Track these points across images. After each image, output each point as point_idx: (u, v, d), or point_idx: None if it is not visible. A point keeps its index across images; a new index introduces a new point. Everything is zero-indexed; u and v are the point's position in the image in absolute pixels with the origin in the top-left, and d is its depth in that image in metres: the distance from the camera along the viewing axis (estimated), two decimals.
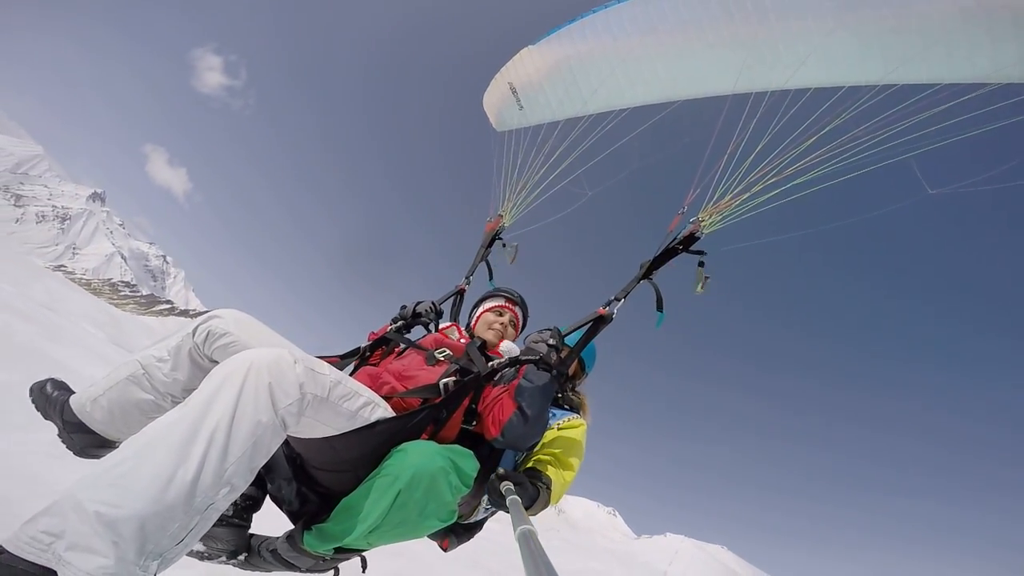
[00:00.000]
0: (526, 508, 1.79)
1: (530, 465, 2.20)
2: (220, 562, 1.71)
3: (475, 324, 2.59)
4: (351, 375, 1.90)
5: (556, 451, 2.25)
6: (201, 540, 1.54)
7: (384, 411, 1.65)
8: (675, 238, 2.57)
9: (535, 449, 2.23)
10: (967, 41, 2.34)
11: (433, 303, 2.65)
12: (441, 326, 2.58)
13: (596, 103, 3.52)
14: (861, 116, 2.52)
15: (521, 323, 2.64)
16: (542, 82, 3.63)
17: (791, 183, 2.57)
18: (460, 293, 3.06)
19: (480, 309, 2.64)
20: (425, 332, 2.56)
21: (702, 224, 2.58)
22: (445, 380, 1.90)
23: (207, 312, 1.70)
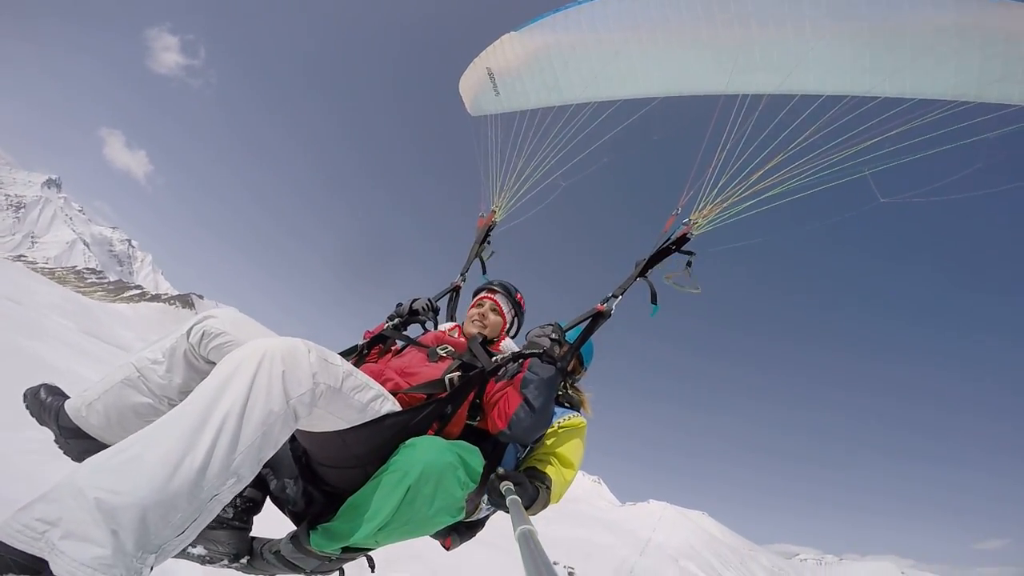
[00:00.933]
0: (526, 508, 1.81)
1: (530, 464, 2.24)
2: (222, 566, 1.72)
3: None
4: None
5: (557, 449, 2.28)
6: (202, 543, 1.61)
7: (393, 405, 1.67)
8: (668, 238, 2.66)
9: (537, 447, 2.29)
10: (955, 56, 2.42)
11: (429, 300, 2.66)
12: (446, 327, 2.59)
13: (575, 94, 3.56)
14: (834, 130, 2.64)
15: (507, 309, 2.61)
16: (521, 69, 3.66)
17: (765, 195, 2.70)
18: (456, 290, 3.07)
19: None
20: (422, 330, 2.59)
21: (694, 226, 2.68)
22: (450, 375, 1.91)
23: (202, 315, 1.69)
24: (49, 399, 1.68)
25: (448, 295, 3.02)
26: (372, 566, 1.93)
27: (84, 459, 1.60)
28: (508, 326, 2.59)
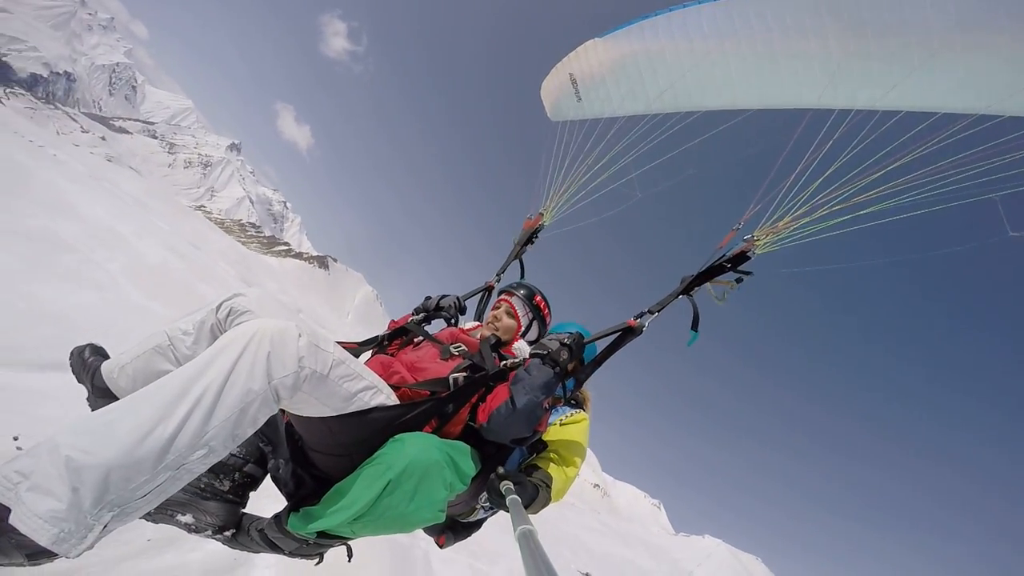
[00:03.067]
0: (525, 507, 1.82)
1: (531, 462, 2.27)
2: (205, 536, 1.74)
3: None
4: (365, 363, 1.93)
5: (558, 448, 2.31)
6: (191, 512, 1.68)
7: (386, 398, 1.70)
8: (724, 255, 2.51)
9: (540, 448, 2.32)
10: None
11: (458, 298, 2.72)
12: (468, 325, 2.66)
13: (661, 103, 3.50)
14: (948, 147, 2.37)
15: (523, 312, 2.60)
16: (605, 76, 3.67)
17: (863, 211, 2.47)
18: (488, 290, 3.10)
19: None
20: (445, 326, 2.64)
21: (756, 243, 2.51)
22: (455, 375, 1.93)
23: (232, 295, 1.82)
24: (91, 359, 1.79)
25: (480, 295, 3.07)
26: (349, 556, 1.97)
27: None
28: (523, 329, 2.59)
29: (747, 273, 2.48)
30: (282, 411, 1.87)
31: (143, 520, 1.61)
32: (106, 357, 1.83)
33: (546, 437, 2.38)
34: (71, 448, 1.13)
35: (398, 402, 1.75)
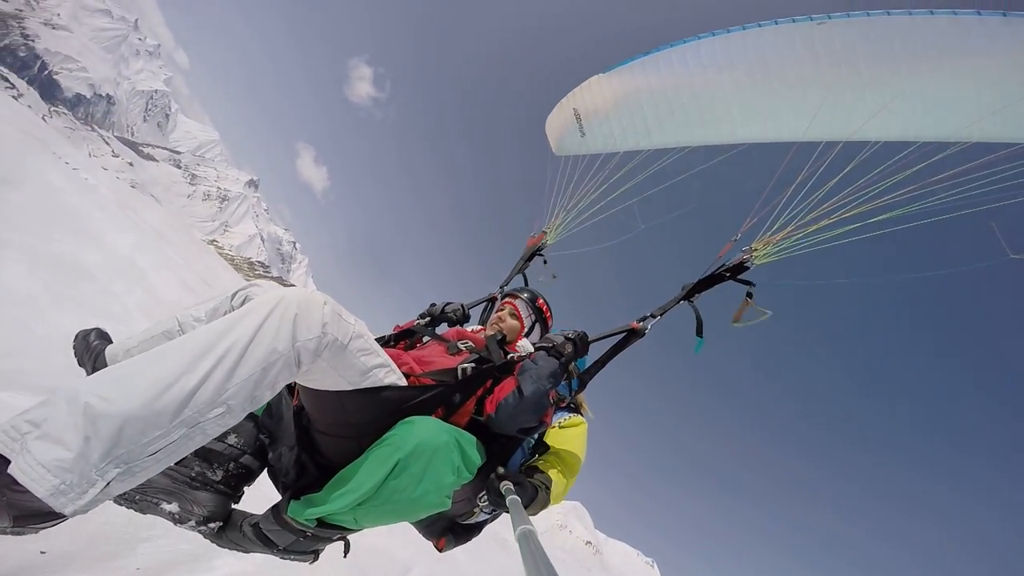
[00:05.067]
0: (524, 508, 1.88)
1: (531, 464, 2.37)
2: (189, 527, 1.72)
3: None
4: None
5: (558, 451, 2.43)
6: (177, 500, 1.67)
7: (399, 379, 1.76)
8: (723, 265, 2.69)
9: (541, 450, 2.46)
10: None
11: (462, 305, 2.88)
12: (472, 328, 2.82)
13: (662, 138, 3.71)
14: (948, 160, 2.52)
15: (526, 314, 2.81)
16: (608, 111, 3.89)
17: (863, 221, 2.58)
18: (492, 300, 3.28)
19: None
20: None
21: (754, 254, 2.68)
22: (464, 366, 2.04)
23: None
24: (96, 342, 1.81)
25: (484, 304, 3.24)
26: (346, 550, 1.99)
27: None
28: (526, 330, 2.79)
29: (749, 283, 2.61)
30: (291, 395, 1.97)
31: (129, 509, 1.66)
32: (109, 341, 1.86)
33: (545, 440, 2.48)
34: (92, 395, 1.14)
35: (409, 384, 1.82)
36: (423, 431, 1.61)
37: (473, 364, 2.07)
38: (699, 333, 2.55)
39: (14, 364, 4.49)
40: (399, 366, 1.96)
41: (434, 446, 1.58)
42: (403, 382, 1.78)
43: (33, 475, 1.07)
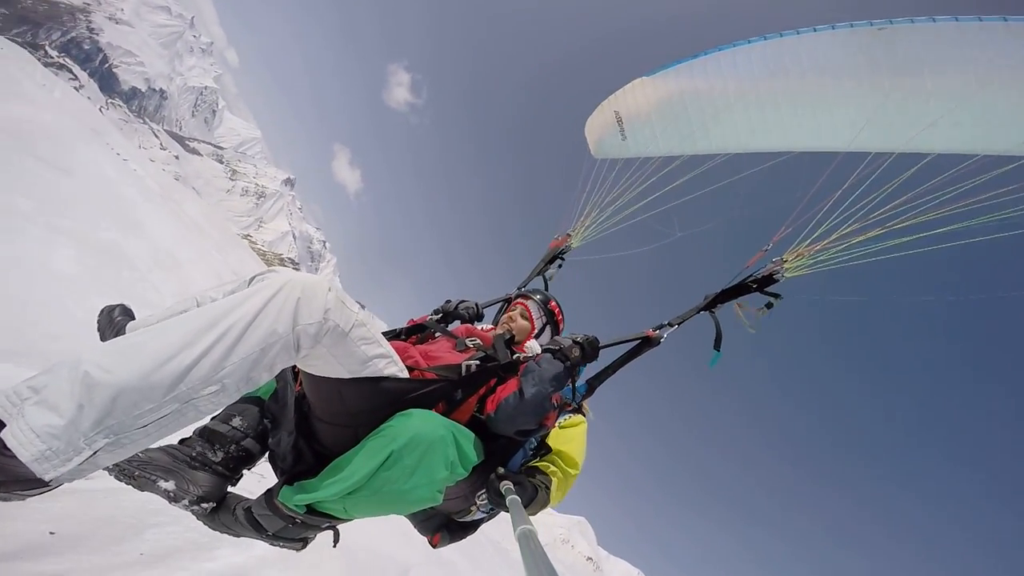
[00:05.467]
0: (524, 507, 1.88)
1: (532, 464, 2.38)
2: (182, 506, 1.73)
3: None
4: None
5: (558, 450, 2.42)
6: (174, 479, 1.70)
7: (399, 371, 1.77)
8: (751, 275, 2.60)
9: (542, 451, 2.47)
10: None
11: (476, 304, 2.92)
12: (483, 327, 2.82)
13: (707, 144, 3.62)
14: (1010, 174, 2.38)
15: (537, 315, 2.79)
16: (651, 115, 3.82)
17: (920, 234, 2.45)
18: (508, 301, 3.25)
19: None
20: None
21: (785, 265, 2.59)
22: (468, 362, 2.05)
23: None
24: (119, 318, 1.86)
25: (500, 305, 3.22)
26: (336, 540, 1.98)
27: None
28: (536, 332, 2.76)
29: (775, 296, 2.53)
30: (295, 379, 1.98)
31: (127, 485, 1.69)
32: (133, 318, 1.89)
33: (547, 441, 2.47)
34: (93, 365, 1.17)
35: (411, 377, 1.83)
36: (419, 424, 1.62)
37: (478, 362, 2.08)
38: (717, 346, 2.50)
39: (55, 346, 4.75)
40: (405, 359, 1.98)
41: (429, 440, 1.59)
42: (404, 374, 1.79)
43: (22, 439, 1.09)
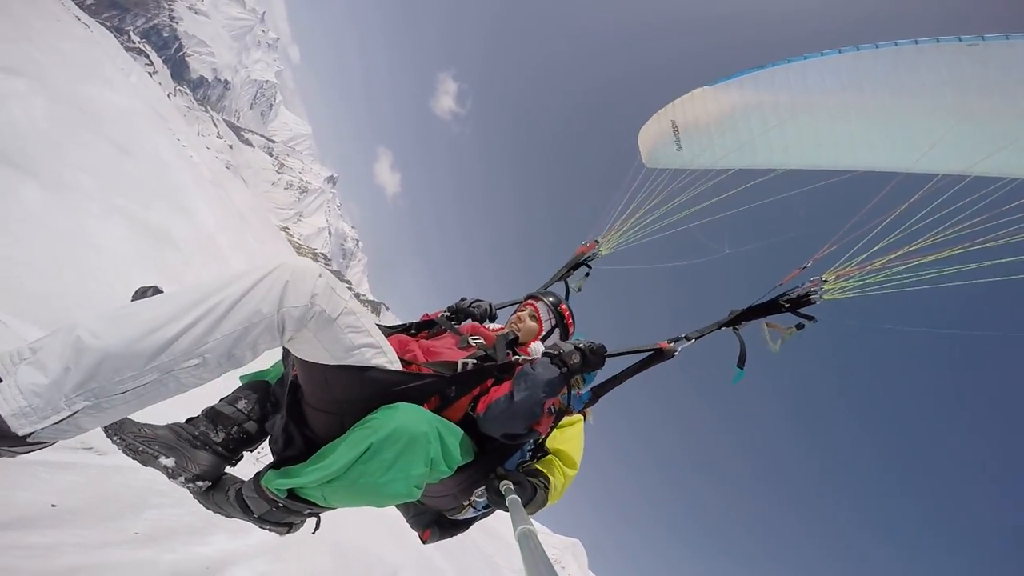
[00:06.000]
0: (523, 507, 1.87)
1: (529, 464, 2.38)
2: (179, 483, 1.79)
3: None
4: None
5: (556, 450, 2.42)
6: (175, 456, 1.75)
7: (388, 362, 1.78)
8: (784, 293, 2.47)
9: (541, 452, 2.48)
10: None
11: (490, 305, 2.92)
12: (493, 326, 2.82)
13: (768, 158, 3.50)
14: None
15: (546, 317, 2.75)
16: (711, 126, 3.73)
17: (996, 260, 2.26)
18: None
19: None
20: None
21: (825, 286, 2.44)
22: (466, 360, 2.06)
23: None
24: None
25: (515, 306, 3.19)
26: (317, 526, 2.00)
27: None
28: (544, 334, 2.73)
29: (810, 318, 2.38)
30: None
31: (130, 458, 1.76)
32: None
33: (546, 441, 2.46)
34: (86, 330, 1.24)
35: (401, 369, 1.83)
36: (403, 418, 1.62)
37: (476, 360, 2.09)
38: (740, 364, 2.41)
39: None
40: (404, 353, 2.02)
41: (411, 434, 1.58)
42: (393, 366, 1.78)
43: (7, 395, 1.16)
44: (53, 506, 2.75)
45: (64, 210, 7.53)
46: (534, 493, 2.17)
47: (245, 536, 4.10)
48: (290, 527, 1.88)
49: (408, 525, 2.46)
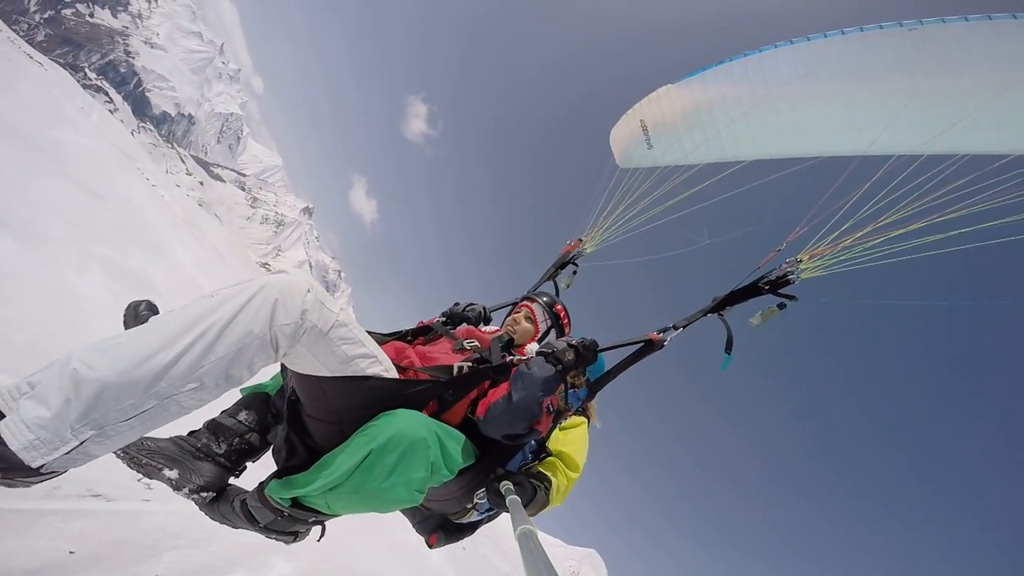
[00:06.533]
0: (524, 507, 1.90)
1: (531, 465, 2.41)
2: (183, 494, 1.81)
3: None
4: (381, 346, 1.99)
5: (559, 452, 2.45)
6: (178, 468, 1.79)
7: (384, 370, 1.82)
8: (763, 276, 2.58)
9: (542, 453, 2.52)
10: None
11: (484, 308, 2.98)
12: (489, 329, 2.85)
13: (736, 151, 3.64)
14: None
15: (541, 318, 2.80)
16: (678, 123, 3.86)
17: (960, 229, 2.40)
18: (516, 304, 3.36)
19: None
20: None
21: (800, 266, 2.57)
22: (462, 364, 2.10)
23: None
24: (145, 312, 1.93)
25: (509, 308, 3.22)
26: (322, 534, 2.02)
27: None
28: (540, 335, 2.77)
29: (791, 298, 2.49)
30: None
31: (134, 471, 1.78)
32: (157, 312, 1.99)
33: (547, 442, 2.50)
34: (80, 362, 1.28)
35: (397, 377, 1.88)
36: (401, 424, 1.66)
37: (471, 364, 2.13)
38: (728, 350, 2.50)
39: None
40: (401, 359, 2.06)
41: (410, 440, 1.62)
42: (388, 374, 1.82)
43: (14, 430, 1.21)
44: (71, 553, 2.77)
45: (42, 263, 7.47)
46: (534, 493, 2.21)
47: (266, 572, 4.12)
48: (296, 536, 1.91)
49: (415, 531, 2.48)
